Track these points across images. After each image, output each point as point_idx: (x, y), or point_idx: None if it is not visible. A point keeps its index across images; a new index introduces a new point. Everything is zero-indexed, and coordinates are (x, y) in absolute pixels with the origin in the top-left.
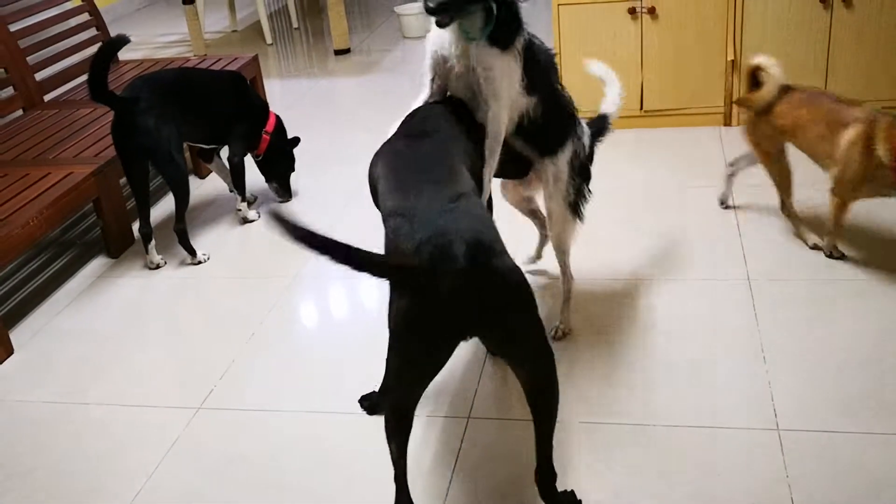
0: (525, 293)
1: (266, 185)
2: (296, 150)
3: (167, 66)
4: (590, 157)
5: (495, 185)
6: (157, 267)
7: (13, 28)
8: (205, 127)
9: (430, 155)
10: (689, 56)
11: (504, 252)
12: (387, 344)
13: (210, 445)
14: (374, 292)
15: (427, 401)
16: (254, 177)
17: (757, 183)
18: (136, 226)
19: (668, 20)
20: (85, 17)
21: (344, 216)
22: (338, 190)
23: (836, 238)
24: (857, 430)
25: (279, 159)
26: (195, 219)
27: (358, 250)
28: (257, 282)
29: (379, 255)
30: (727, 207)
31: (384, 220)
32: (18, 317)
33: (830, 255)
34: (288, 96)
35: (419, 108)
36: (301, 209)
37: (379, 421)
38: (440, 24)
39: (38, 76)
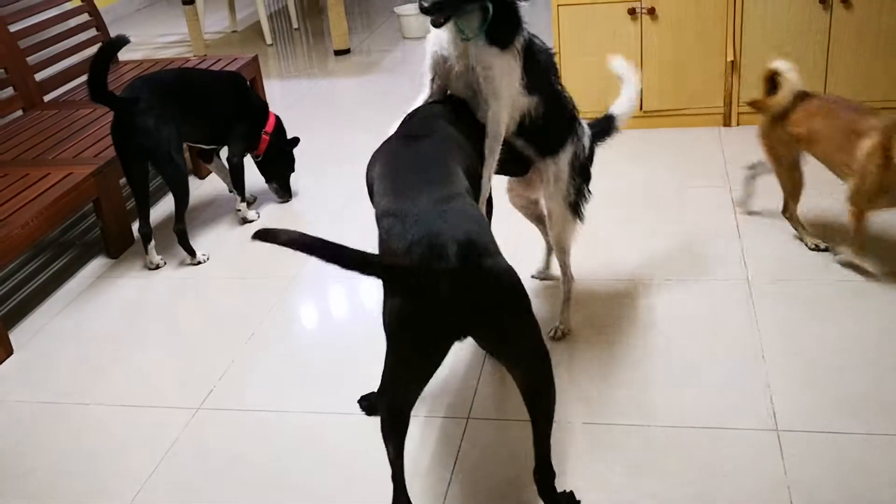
0: (518, 294)
1: (266, 185)
2: (296, 151)
3: (167, 66)
4: (590, 158)
5: (500, 189)
6: (157, 267)
7: (13, 28)
8: (204, 127)
9: (426, 155)
10: (688, 56)
11: (497, 253)
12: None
13: (210, 445)
14: (374, 293)
15: (426, 401)
16: (253, 177)
17: (757, 183)
18: (135, 226)
19: (668, 21)
20: (85, 17)
21: (344, 216)
22: (338, 190)
23: (860, 250)
24: (857, 430)
25: (279, 160)
26: (195, 219)
27: (347, 249)
28: (257, 282)
29: (369, 253)
30: (750, 213)
31: (378, 221)
32: (18, 317)
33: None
34: (288, 97)
35: (418, 108)
36: (301, 209)
37: (378, 421)
38: (435, 24)
39: (38, 76)
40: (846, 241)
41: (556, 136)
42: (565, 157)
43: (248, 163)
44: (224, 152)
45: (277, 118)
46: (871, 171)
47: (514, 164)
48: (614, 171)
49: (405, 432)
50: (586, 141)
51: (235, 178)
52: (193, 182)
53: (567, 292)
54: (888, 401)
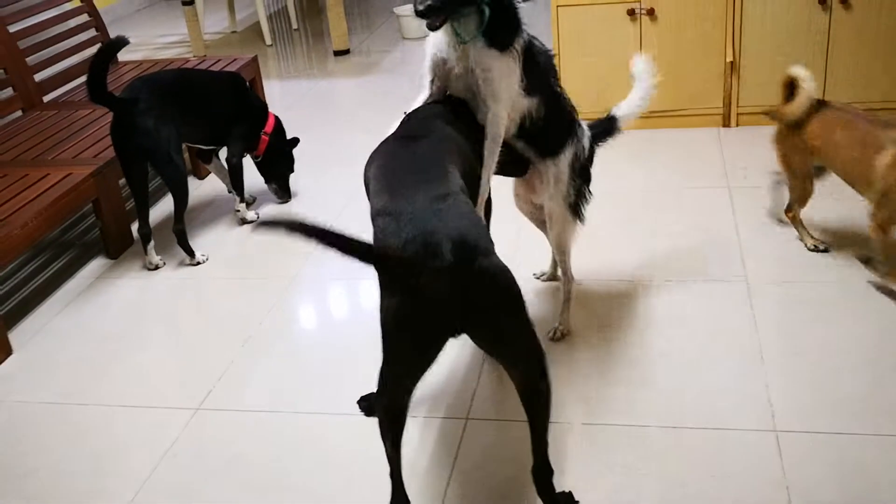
0: (512, 293)
1: (265, 185)
2: (295, 151)
3: (166, 66)
4: (590, 159)
5: (500, 190)
6: (156, 268)
7: (13, 29)
8: (204, 128)
9: (423, 155)
10: (688, 57)
11: (492, 251)
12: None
13: (209, 446)
14: (373, 293)
15: (425, 402)
16: (253, 178)
17: (756, 184)
18: (135, 226)
19: (667, 21)
20: (84, 17)
21: (343, 217)
22: (337, 190)
23: (893, 266)
24: (856, 431)
25: (278, 160)
26: (194, 219)
27: (349, 237)
28: (256, 282)
29: (366, 242)
30: (781, 222)
31: (372, 220)
32: (18, 317)
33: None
34: (287, 97)
35: (418, 108)
36: (300, 210)
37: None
38: (431, 27)
39: (38, 77)
40: (876, 257)
41: (556, 137)
42: (565, 159)
43: (248, 163)
44: (223, 153)
45: (277, 119)
46: (892, 186)
47: (513, 166)
48: (614, 172)
49: (402, 429)
50: (586, 142)
51: (234, 179)
52: (193, 182)
53: (567, 293)
54: (887, 401)
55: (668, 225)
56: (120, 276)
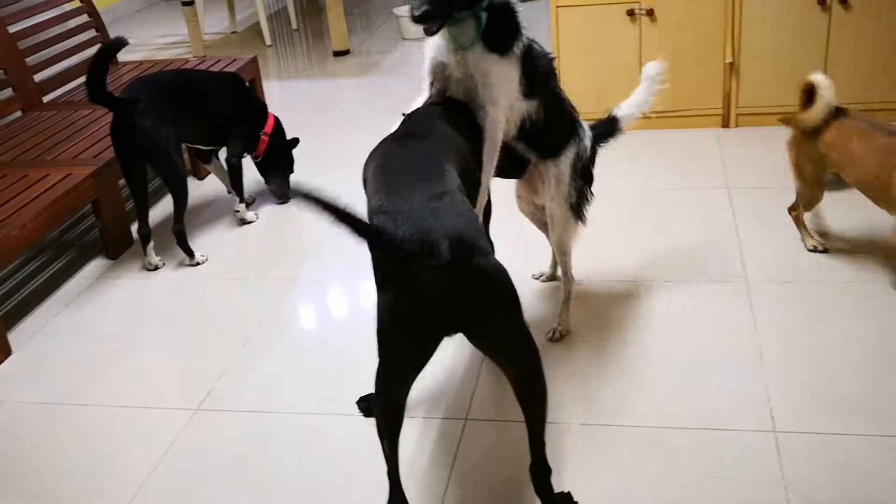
0: (509, 293)
1: (264, 185)
2: (295, 151)
3: (166, 67)
4: (591, 159)
5: (500, 191)
6: (156, 268)
7: (12, 29)
8: (203, 128)
9: (421, 154)
10: (687, 58)
11: (488, 251)
12: None
13: (209, 446)
14: (372, 294)
15: (424, 402)
16: (252, 178)
17: (756, 185)
18: (134, 227)
19: (667, 22)
20: (84, 18)
21: None
22: (337, 191)
23: None
24: (855, 431)
25: (278, 160)
26: (193, 220)
27: (354, 216)
28: (255, 283)
29: (375, 225)
30: (825, 241)
31: (369, 218)
32: (17, 318)
33: None
34: (287, 97)
35: (417, 109)
36: (300, 210)
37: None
38: (427, 32)
39: (38, 77)
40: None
41: (556, 138)
42: (567, 160)
43: (247, 163)
44: (223, 153)
45: (276, 119)
46: None
47: (511, 169)
48: (613, 172)
49: (399, 429)
50: (588, 143)
51: (234, 179)
52: (192, 183)
53: (567, 293)
54: (887, 402)
55: (667, 225)
56: (119, 276)
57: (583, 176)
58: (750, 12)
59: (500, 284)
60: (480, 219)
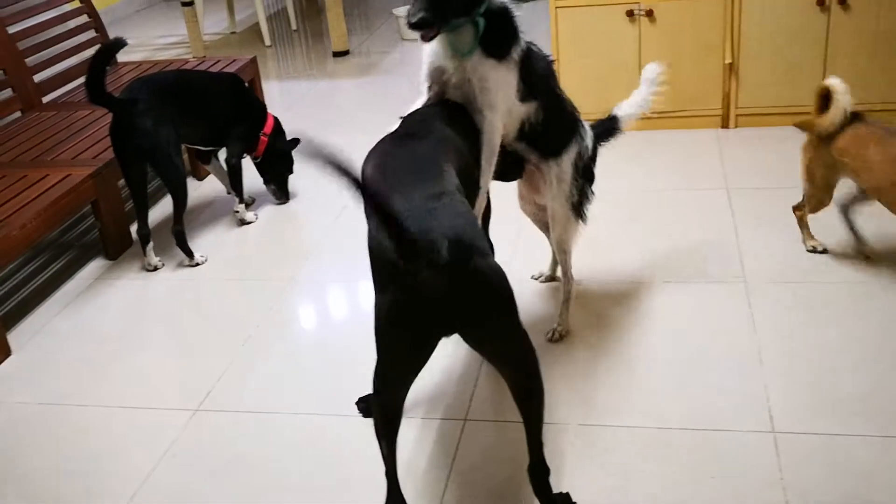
0: (506, 294)
1: (264, 186)
2: (294, 152)
3: (166, 67)
4: (593, 158)
5: (499, 192)
6: (155, 269)
7: (12, 30)
8: (203, 129)
9: (419, 154)
10: (686, 59)
11: (486, 251)
12: None
13: (208, 447)
14: (371, 294)
15: (423, 403)
16: (252, 178)
17: (755, 186)
18: (134, 227)
19: (666, 23)
20: (84, 18)
21: (342, 217)
22: (336, 191)
23: None
24: (854, 432)
25: (277, 161)
26: (193, 220)
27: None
28: (255, 283)
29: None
30: (867, 258)
31: (367, 218)
32: (17, 318)
33: None
34: (287, 98)
35: (416, 109)
36: (299, 210)
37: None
38: (424, 39)
39: (37, 78)
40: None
41: (557, 139)
42: (568, 159)
43: (247, 164)
44: (223, 154)
45: (276, 120)
46: None
47: (509, 171)
48: (613, 173)
49: (397, 429)
50: (589, 142)
51: (234, 180)
52: (192, 183)
53: (567, 293)
54: (886, 402)
55: (667, 226)
56: (119, 276)
57: (584, 175)
58: (749, 13)
59: (497, 286)
60: (479, 221)
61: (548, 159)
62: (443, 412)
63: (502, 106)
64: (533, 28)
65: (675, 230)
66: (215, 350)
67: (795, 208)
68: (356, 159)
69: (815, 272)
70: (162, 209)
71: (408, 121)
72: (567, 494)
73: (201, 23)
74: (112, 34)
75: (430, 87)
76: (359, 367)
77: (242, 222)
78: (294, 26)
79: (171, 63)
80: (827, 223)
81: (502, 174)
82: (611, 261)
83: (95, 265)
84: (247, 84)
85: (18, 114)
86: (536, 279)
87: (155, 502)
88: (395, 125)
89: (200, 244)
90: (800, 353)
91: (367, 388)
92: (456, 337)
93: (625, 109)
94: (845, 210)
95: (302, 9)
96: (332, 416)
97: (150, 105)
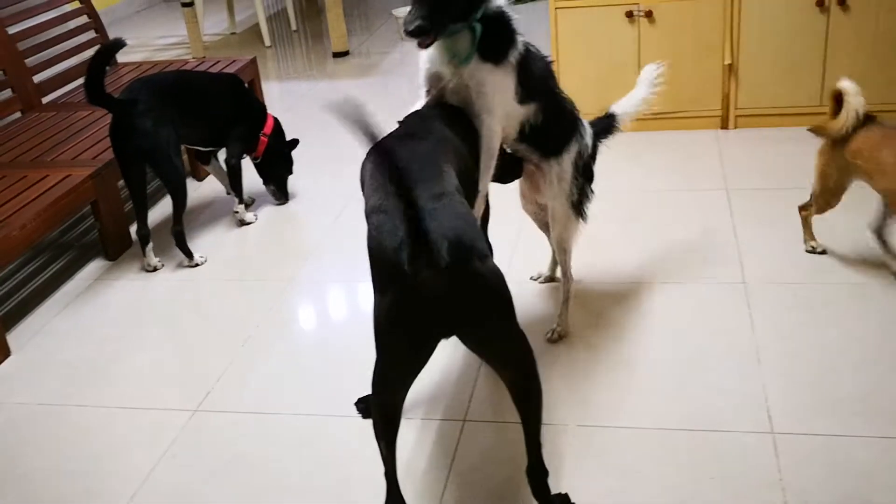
0: (505, 296)
1: (263, 186)
2: (294, 152)
3: (165, 68)
4: (593, 156)
5: (499, 193)
6: (155, 269)
7: (12, 30)
8: (203, 129)
9: (418, 155)
10: (686, 59)
11: (486, 254)
12: None
13: (208, 447)
14: (370, 295)
15: (422, 403)
16: (251, 179)
17: (755, 186)
18: (133, 228)
19: (666, 24)
20: (84, 19)
21: (342, 218)
22: (336, 192)
23: None
24: (853, 433)
25: (277, 162)
26: (193, 221)
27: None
28: (254, 284)
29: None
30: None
31: (367, 217)
32: (16, 318)
33: None
34: (286, 98)
35: (416, 110)
36: (299, 211)
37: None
38: (421, 46)
39: (37, 78)
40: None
41: (557, 138)
42: (568, 158)
43: (247, 165)
44: (222, 154)
45: (276, 120)
46: None
47: (507, 173)
48: (613, 173)
49: (397, 430)
50: (589, 140)
51: (233, 180)
52: (191, 184)
53: (566, 292)
54: (886, 403)
55: (666, 226)
56: (118, 277)
57: (584, 173)
58: (748, 14)
59: (496, 288)
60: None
61: (548, 158)
62: (442, 413)
63: (500, 110)
64: (533, 29)
65: (674, 230)
66: (215, 350)
67: (801, 208)
68: (355, 159)
69: (814, 273)
70: (161, 210)
71: (407, 121)
72: (566, 495)
73: (201, 23)
74: (112, 35)
75: (428, 92)
76: (358, 368)
77: (242, 223)
78: (294, 27)
79: (171, 64)
80: (828, 223)
81: (500, 176)
82: (610, 261)
83: (95, 266)
84: (247, 85)
85: (18, 114)
86: (535, 280)
87: (155, 502)
88: (394, 126)
89: (200, 245)
90: (799, 354)
91: (367, 389)
92: (454, 338)
93: (622, 107)
94: (879, 232)
95: (302, 9)
96: (331, 417)
97: (150, 106)
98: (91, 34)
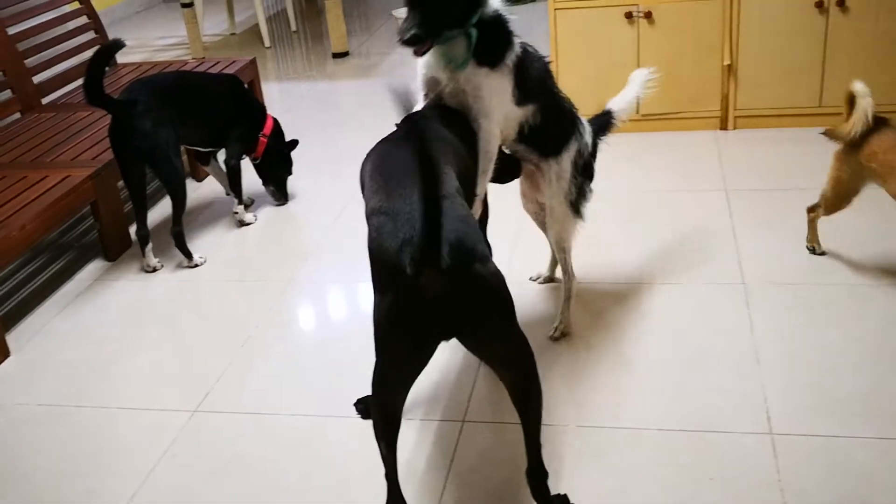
0: (505, 298)
1: (263, 187)
2: (294, 153)
3: (165, 69)
4: (593, 154)
5: (499, 193)
6: (154, 270)
7: (11, 31)
8: (202, 130)
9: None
10: (685, 60)
11: (487, 256)
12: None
13: (207, 447)
14: (370, 296)
15: (422, 404)
16: (251, 179)
17: (754, 187)
18: (133, 229)
19: (665, 24)
20: (83, 19)
21: (342, 219)
22: (336, 192)
23: None
24: (852, 434)
25: (276, 162)
26: (192, 222)
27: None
28: (254, 285)
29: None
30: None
31: (368, 218)
32: (16, 319)
33: None
34: (286, 99)
35: (416, 111)
36: (298, 211)
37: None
38: (417, 54)
39: (36, 79)
40: None
41: (556, 138)
42: (567, 157)
43: (247, 165)
44: (222, 155)
45: (275, 121)
46: None
47: (505, 173)
48: (612, 174)
49: (397, 431)
50: (588, 138)
51: (233, 181)
52: (191, 185)
53: (568, 290)
54: (885, 404)
55: (665, 226)
56: (118, 278)
57: (583, 172)
58: (748, 15)
59: (497, 290)
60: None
61: (548, 158)
62: (441, 414)
63: (497, 113)
64: (532, 29)
65: (674, 231)
66: (214, 351)
67: (810, 209)
68: (355, 160)
69: (814, 273)
70: (161, 210)
71: (406, 122)
72: (565, 496)
73: (201, 24)
74: (112, 35)
75: (426, 96)
76: (358, 368)
77: (241, 223)
78: (294, 27)
79: (171, 64)
80: (836, 224)
81: (498, 176)
82: (610, 261)
83: (94, 266)
84: (246, 85)
85: (18, 115)
86: (534, 280)
87: (155, 502)
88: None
89: (199, 245)
90: (799, 355)
91: (367, 390)
92: (454, 339)
93: (619, 104)
94: None
95: (301, 10)
96: (331, 417)
97: (150, 106)
98: (91, 35)
